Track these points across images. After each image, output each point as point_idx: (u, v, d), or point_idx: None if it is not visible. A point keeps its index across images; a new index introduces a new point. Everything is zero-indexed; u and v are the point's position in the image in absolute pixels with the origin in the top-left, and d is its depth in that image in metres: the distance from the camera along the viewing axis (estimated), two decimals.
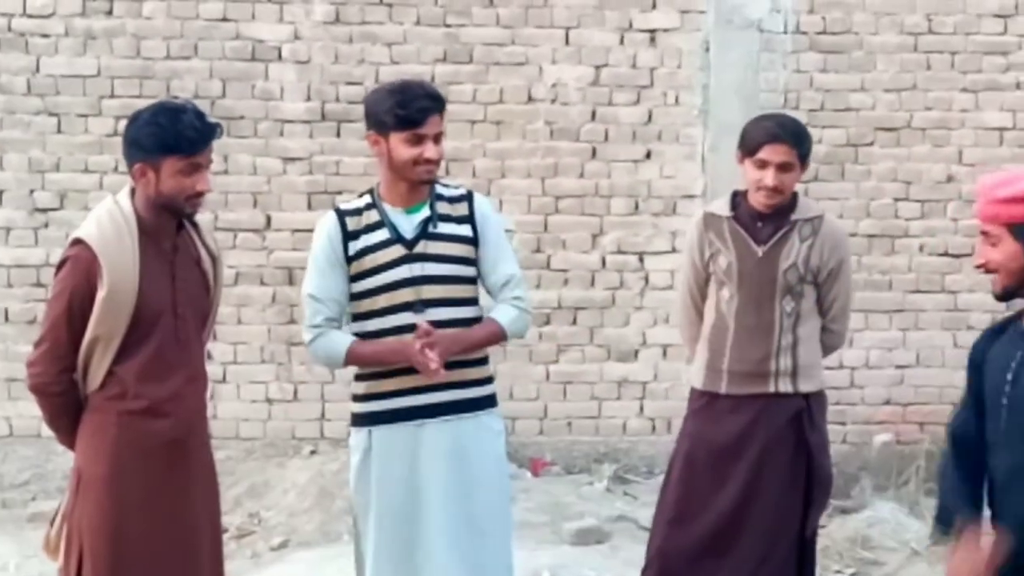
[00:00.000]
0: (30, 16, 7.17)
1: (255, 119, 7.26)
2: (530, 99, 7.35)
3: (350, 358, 4.09)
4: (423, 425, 4.07)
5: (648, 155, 7.41)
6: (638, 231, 7.41)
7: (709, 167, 7.32)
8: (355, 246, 4.08)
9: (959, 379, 7.08)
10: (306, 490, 6.81)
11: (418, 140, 4.01)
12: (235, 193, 7.25)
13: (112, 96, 7.18)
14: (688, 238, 4.80)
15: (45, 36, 7.18)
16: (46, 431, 4.16)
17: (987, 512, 3.38)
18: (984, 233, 3.33)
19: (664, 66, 7.38)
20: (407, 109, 3.99)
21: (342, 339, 4.09)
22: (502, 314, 4.17)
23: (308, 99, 7.28)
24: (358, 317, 4.13)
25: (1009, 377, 3.28)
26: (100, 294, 3.74)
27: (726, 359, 4.60)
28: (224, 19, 7.23)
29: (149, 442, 3.82)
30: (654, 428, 7.46)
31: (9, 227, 7.22)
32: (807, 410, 4.59)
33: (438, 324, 4.01)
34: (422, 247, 4.08)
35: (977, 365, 3.44)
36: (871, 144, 7.44)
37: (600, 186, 7.40)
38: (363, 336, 4.10)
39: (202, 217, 4.09)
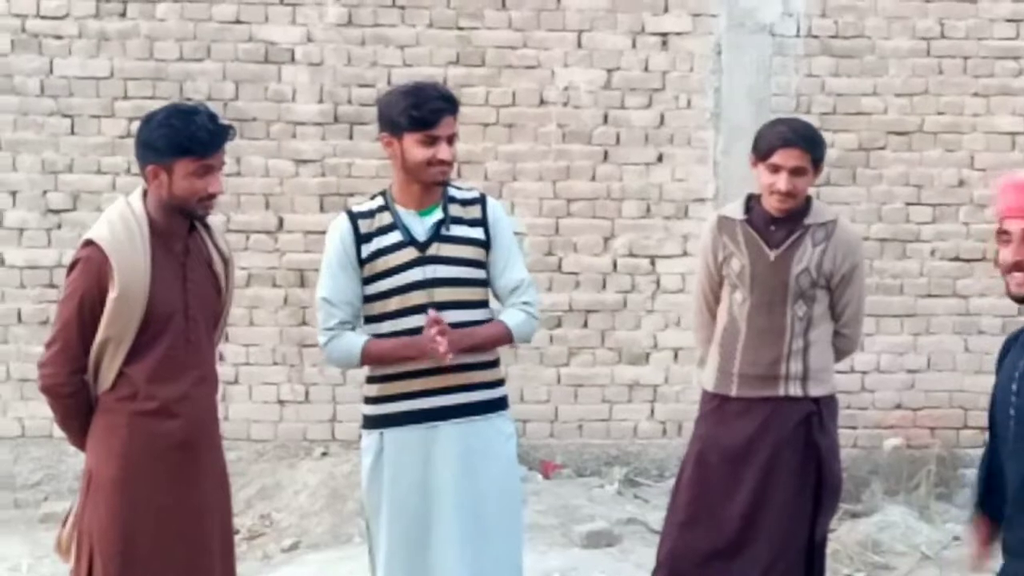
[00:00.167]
0: (43, 18, 7.18)
1: (267, 121, 7.27)
2: (542, 102, 7.35)
3: (366, 356, 4.09)
4: (435, 427, 4.07)
5: (660, 158, 7.40)
6: (649, 234, 7.41)
7: (721, 171, 7.32)
8: (368, 248, 4.08)
9: (970, 383, 7.27)
10: (317, 492, 6.81)
11: (431, 141, 4.01)
12: (247, 195, 7.26)
13: (125, 98, 7.20)
14: (702, 241, 4.80)
15: (59, 38, 7.19)
16: (58, 432, 4.16)
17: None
18: (1002, 232, 3.21)
19: (676, 69, 7.38)
20: (421, 110, 3.99)
21: (357, 339, 4.09)
22: (510, 317, 4.18)
23: (320, 101, 7.29)
24: (371, 320, 4.13)
25: (1015, 388, 3.23)
26: (111, 295, 3.74)
27: (737, 362, 4.60)
28: (237, 21, 7.24)
29: (160, 443, 3.82)
30: (665, 431, 7.46)
31: (22, 228, 7.24)
32: (817, 414, 4.58)
33: (449, 327, 4.01)
34: (435, 249, 4.08)
35: (997, 372, 3.40)
36: (883, 148, 7.42)
37: (612, 189, 7.40)
38: (377, 339, 4.11)
39: (215, 219, 4.10)
